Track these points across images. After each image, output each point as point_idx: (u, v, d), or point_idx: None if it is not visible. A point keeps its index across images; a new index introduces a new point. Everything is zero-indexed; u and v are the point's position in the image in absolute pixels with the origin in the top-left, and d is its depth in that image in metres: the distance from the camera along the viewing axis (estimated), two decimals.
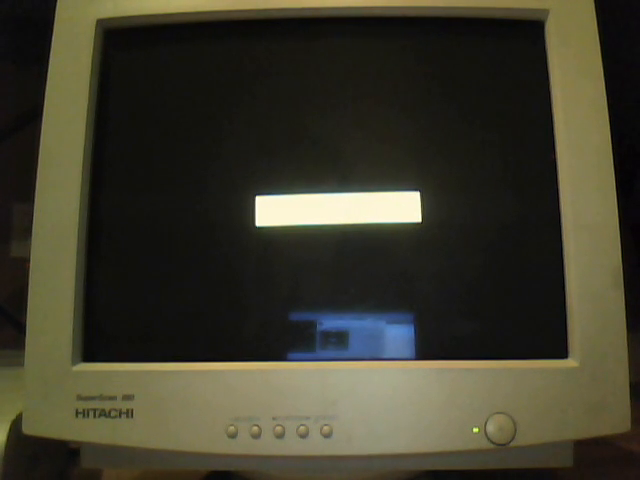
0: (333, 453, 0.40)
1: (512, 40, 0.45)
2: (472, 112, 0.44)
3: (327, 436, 0.40)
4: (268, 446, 0.40)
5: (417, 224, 0.43)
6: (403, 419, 0.40)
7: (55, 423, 0.40)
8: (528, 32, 0.44)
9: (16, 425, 0.43)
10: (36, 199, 0.42)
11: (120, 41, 0.45)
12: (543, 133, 0.43)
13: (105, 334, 0.43)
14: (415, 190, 0.43)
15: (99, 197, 0.44)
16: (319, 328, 0.42)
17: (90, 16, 0.44)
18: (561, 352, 0.41)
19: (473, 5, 0.44)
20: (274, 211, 0.43)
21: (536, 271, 0.42)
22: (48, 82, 0.44)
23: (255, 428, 0.40)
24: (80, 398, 0.40)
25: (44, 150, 0.43)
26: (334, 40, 0.46)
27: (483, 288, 0.42)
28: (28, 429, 0.41)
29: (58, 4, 0.45)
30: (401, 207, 0.43)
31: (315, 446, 0.40)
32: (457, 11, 0.44)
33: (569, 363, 0.40)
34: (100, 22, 0.44)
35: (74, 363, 0.41)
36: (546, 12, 0.44)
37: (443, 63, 0.45)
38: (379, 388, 0.40)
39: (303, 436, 0.40)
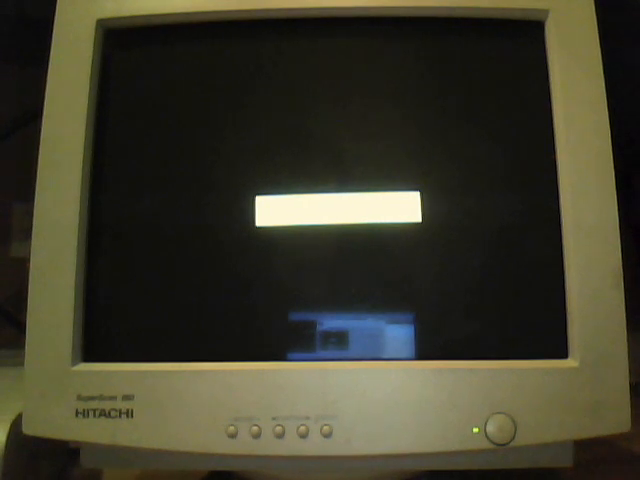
0: (333, 453, 0.40)
1: (512, 40, 0.45)
2: (472, 112, 0.44)
3: (327, 436, 0.40)
4: (268, 446, 0.40)
5: (417, 224, 0.43)
6: (403, 419, 0.40)
7: (55, 423, 0.40)
8: (528, 32, 0.44)
9: (16, 425, 0.43)
10: (36, 199, 0.42)
11: (120, 41, 0.45)
12: (543, 133, 0.43)
13: (105, 334, 0.43)
14: (415, 190, 0.43)
15: (99, 197, 0.44)
16: (319, 328, 0.42)
17: (90, 16, 0.44)
18: (561, 352, 0.41)
19: (473, 5, 0.44)
20: (274, 211, 0.43)
21: (536, 271, 0.42)
22: (48, 82, 0.44)
23: (255, 428, 0.40)
24: (80, 398, 0.40)
25: (44, 150, 0.43)
26: (333, 40, 0.45)
27: (483, 288, 0.42)
28: (28, 429, 0.41)
29: (58, 4, 0.45)
30: (401, 207, 0.43)
31: (315, 446, 0.40)
32: (457, 11, 0.44)
33: (569, 363, 0.40)
34: (100, 22, 0.44)
35: (74, 363, 0.41)
36: (546, 12, 0.44)
37: (443, 63, 0.45)
38: (379, 388, 0.40)
39: (303, 436, 0.40)
